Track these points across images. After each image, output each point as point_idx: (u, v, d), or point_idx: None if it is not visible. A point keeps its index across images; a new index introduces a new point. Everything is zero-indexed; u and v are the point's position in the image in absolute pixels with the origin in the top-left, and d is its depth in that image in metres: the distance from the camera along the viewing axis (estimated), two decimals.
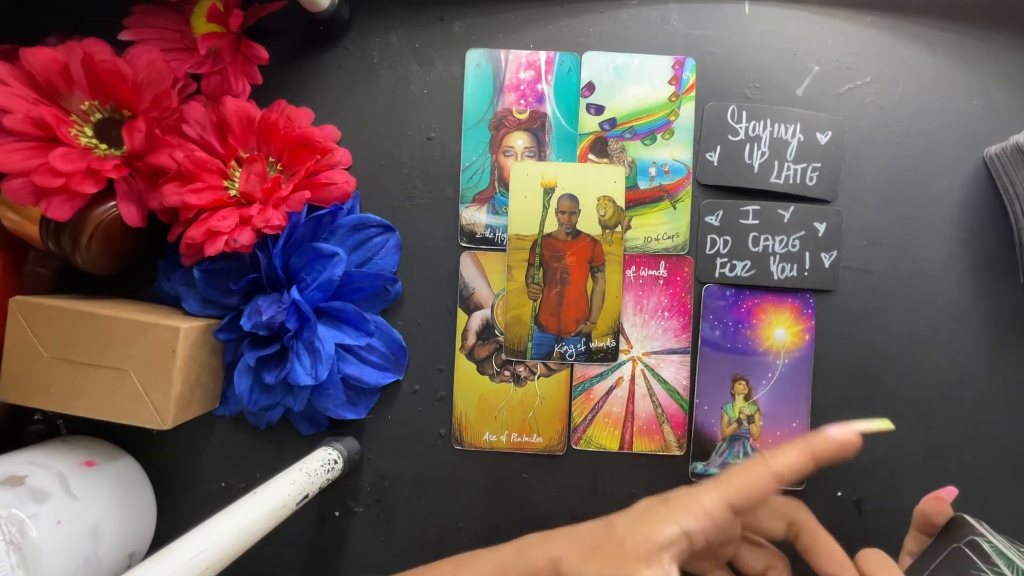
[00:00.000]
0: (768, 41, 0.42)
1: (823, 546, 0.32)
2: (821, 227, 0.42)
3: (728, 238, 0.42)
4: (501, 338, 0.42)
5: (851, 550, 0.32)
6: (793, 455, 0.31)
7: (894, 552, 0.36)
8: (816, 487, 0.41)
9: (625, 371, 0.42)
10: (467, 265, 0.42)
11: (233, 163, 0.38)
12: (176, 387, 0.35)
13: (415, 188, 0.42)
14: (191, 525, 0.28)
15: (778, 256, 0.42)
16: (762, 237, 0.42)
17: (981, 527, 0.32)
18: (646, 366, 0.42)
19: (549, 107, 0.42)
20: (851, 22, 0.43)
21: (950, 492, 0.36)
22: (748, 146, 0.42)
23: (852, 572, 0.30)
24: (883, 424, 0.33)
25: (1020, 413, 0.41)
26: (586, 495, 0.42)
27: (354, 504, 0.42)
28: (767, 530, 0.34)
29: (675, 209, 0.42)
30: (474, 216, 0.42)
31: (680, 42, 0.42)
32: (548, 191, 0.41)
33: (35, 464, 0.35)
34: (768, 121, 0.42)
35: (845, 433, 0.32)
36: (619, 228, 0.42)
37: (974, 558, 0.30)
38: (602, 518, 0.32)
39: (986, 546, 0.30)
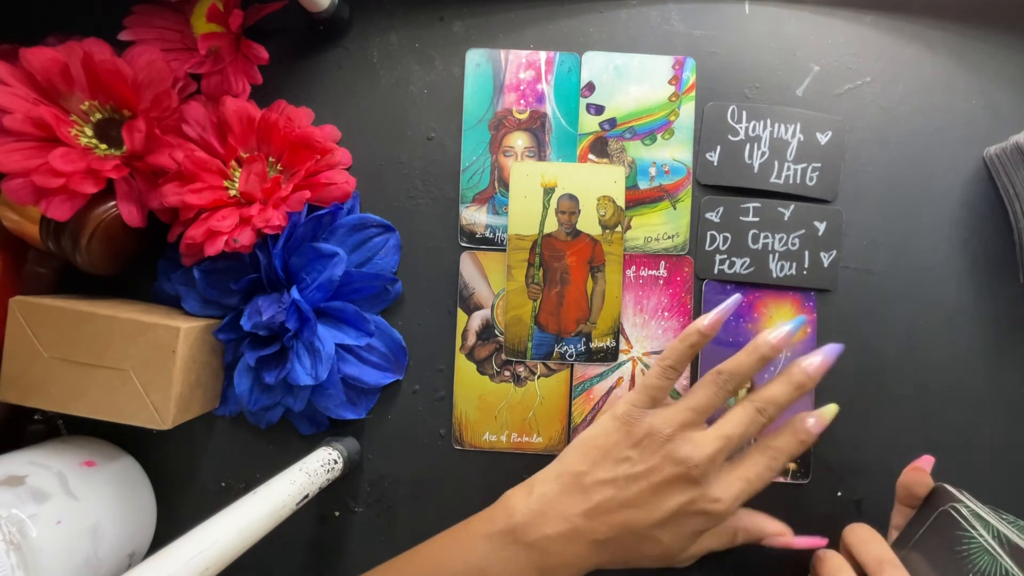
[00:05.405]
0: (768, 41, 0.42)
1: (759, 521, 0.37)
2: (821, 226, 0.42)
3: (728, 235, 0.42)
4: (501, 338, 0.42)
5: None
6: (713, 314, 0.36)
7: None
8: (816, 487, 0.41)
9: (625, 371, 0.42)
10: (467, 265, 0.42)
11: (233, 163, 0.38)
12: (176, 387, 0.35)
13: (415, 188, 0.42)
14: (191, 525, 0.28)
15: (777, 254, 0.42)
16: (762, 235, 0.42)
17: (961, 495, 0.33)
18: (646, 366, 0.42)
19: (549, 107, 0.42)
20: (851, 22, 0.42)
21: (927, 461, 0.36)
22: (748, 146, 0.42)
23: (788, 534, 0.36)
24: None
25: (1020, 413, 0.41)
26: None
27: (354, 504, 0.42)
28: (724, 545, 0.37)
29: (675, 209, 0.42)
30: (474, 216, 0.42)
31: (680, 42, 0.42)
32: (548, 191, 0.41)
33: (35, 464, 0.35)
34: (768, 121, 0.42)
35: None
36: (619, 228, 0.42)
37: (960, 520, 0.31)
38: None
39: (965, 511, 0.31)
